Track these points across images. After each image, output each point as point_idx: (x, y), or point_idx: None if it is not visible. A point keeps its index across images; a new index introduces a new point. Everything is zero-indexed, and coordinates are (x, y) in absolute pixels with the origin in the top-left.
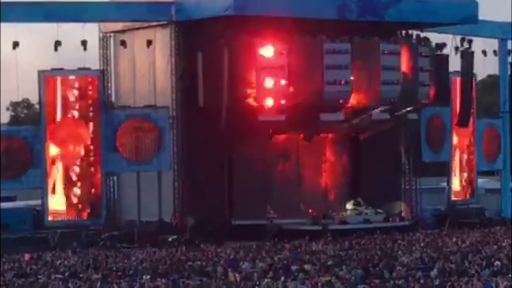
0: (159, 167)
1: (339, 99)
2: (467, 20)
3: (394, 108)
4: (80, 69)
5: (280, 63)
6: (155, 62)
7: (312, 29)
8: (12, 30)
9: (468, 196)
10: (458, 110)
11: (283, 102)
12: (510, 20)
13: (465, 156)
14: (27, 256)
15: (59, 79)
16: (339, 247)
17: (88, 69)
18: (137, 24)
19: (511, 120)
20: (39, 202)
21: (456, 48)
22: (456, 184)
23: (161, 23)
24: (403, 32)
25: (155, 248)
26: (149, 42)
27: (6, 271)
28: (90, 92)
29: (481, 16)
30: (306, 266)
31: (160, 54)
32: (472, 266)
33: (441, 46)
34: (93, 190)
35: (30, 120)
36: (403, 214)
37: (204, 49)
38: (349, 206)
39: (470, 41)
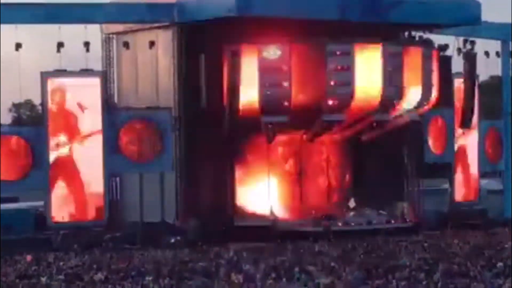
0: (162, 168)
1: (341, 100)
2: (469, 22)
3: (397, 110)
4: (82, 70)
5: (282, 64)
6: (157, 63)
7: (314, 30)
8: (14, 31)
9: (470, 197)
10: (461, 111)
11: (285, 103)
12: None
13: (467, 157)
14: (29, 257)
15: (61, 80)
16: (341, 248)
17: (91, 70)
18: (140, 26)
19: None
20: (41, 203)
21: (459, 50)
22: (458, 185)
23: (164, 24)
24: (406, 33)
25: (158, 249)
26: (151, 43)
27: (8, 272)
28: (92, 93)
29: (483, 18)
30: (309, 268)
31: (163, 56)
32: (475, 268)
33: (444, 47)
34: (95, 191)
35: (33, 121)
36: (406, 215)
37: (206, 51)
38: (351, 204)
39: (473, 43)
